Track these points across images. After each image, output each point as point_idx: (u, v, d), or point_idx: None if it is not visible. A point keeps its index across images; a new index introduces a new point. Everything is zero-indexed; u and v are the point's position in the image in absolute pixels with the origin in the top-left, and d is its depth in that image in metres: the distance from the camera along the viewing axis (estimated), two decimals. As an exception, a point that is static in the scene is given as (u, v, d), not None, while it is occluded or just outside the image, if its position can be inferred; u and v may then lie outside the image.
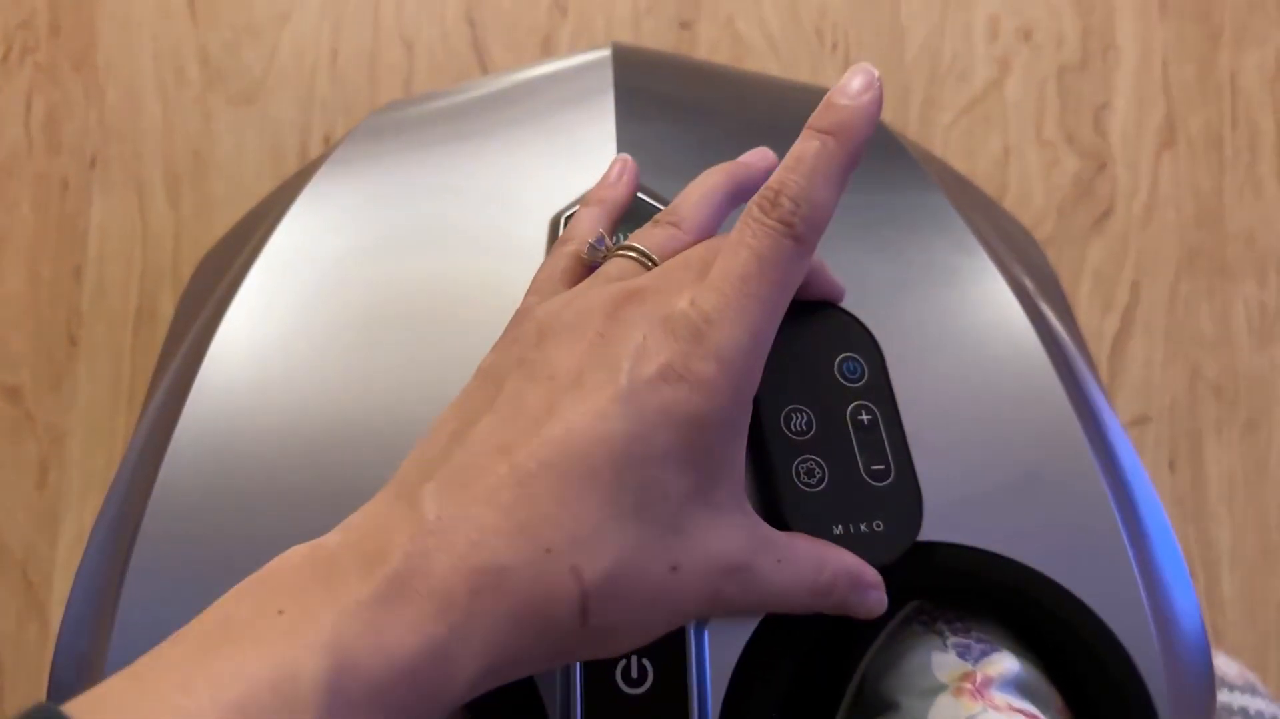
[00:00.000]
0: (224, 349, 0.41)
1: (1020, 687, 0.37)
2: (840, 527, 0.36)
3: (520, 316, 0.35)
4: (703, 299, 0.31)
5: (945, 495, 0.37)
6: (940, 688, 0.37)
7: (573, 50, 0.56)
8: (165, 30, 1.10)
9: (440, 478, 0.29)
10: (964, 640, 0.39)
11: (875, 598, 0.35)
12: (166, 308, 1.04)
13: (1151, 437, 1.03)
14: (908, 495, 0.37)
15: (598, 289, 0.33)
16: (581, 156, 0.45)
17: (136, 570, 0.37)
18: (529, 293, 0.36)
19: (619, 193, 0.40)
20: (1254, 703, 0.59)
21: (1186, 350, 1.05)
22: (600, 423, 0.29)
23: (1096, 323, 1.05)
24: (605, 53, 0.51)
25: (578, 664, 0.34)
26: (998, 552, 0.37)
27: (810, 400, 0.37)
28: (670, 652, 0.35)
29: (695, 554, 0.30)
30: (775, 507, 0.36)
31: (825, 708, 0.41)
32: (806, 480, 0.36)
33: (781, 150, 0.40)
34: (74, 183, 1.07)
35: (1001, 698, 0.36)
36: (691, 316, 0.30)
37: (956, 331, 0.41)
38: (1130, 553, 0.38)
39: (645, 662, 0.35)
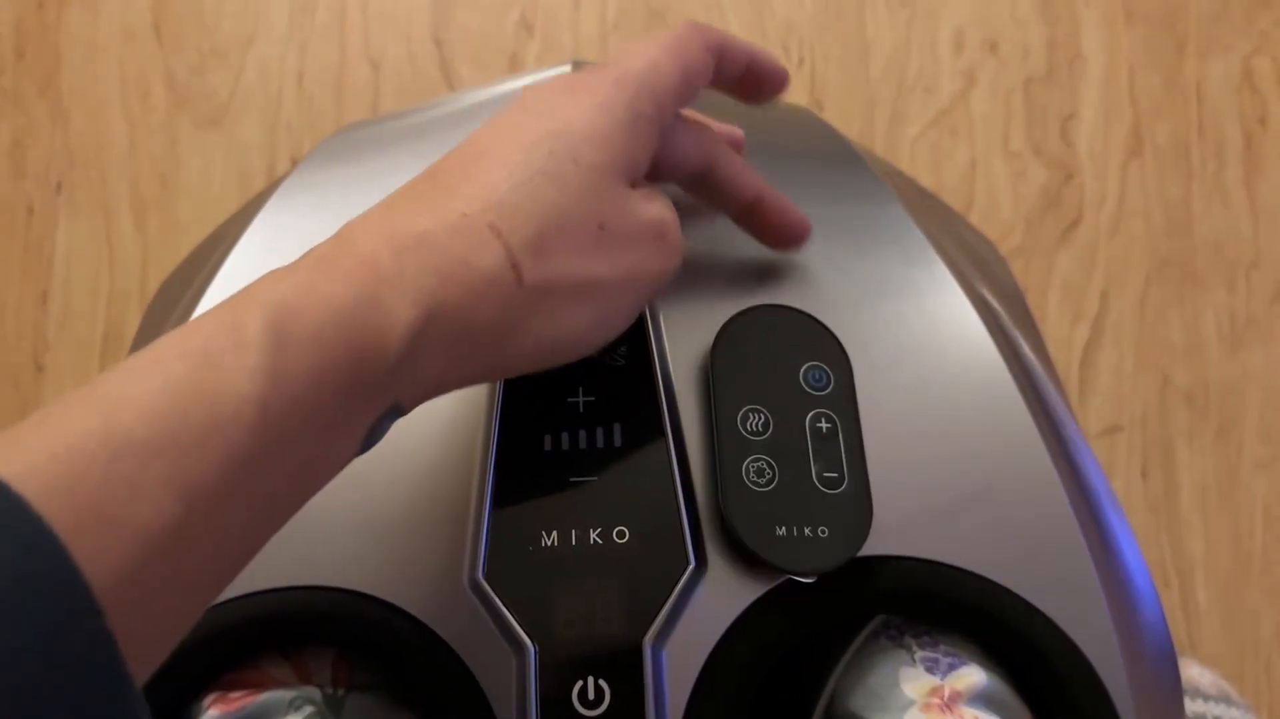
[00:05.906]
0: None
1: (989, 700, 0.37)
2: (784, 528, 0.36)
3: None
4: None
5: (904, 509, 0.37)
6: (909, 703, 0.37)
7: (539, 68, 0.57)
8: (130, 54, 1.10)
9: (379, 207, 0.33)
10: (932, 654, 0.38)
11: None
12: (134, 332, 1.03)
13: (1123, 446, 1.03)
14: (858, 506, 0.37)
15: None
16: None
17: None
18: None
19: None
20: (1228, 713, 0.59)
21: (1157, 359, 1.05)
22: (517, 114, 0.34)
23: (1066, 332, 1.05)
24: (565, 69, 0.51)
25: (533, 689, 0.34)
26: (957, 565, 0.37)
27: (770, 403, 0.38)
28: (627, 672, 0.34)
29: (620, 214, 0.34)
30: (721, 501, 0.36)
31: (792, 727, 0.40)
32: (755, 480, 0.37)
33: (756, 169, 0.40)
34: (39, 208, 1.06)
35: (970, 712, 0.36)
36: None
37: (915, 345, 0.41)
38: (1092, 564, 0.38)
39: (602, 683, 0.34)
